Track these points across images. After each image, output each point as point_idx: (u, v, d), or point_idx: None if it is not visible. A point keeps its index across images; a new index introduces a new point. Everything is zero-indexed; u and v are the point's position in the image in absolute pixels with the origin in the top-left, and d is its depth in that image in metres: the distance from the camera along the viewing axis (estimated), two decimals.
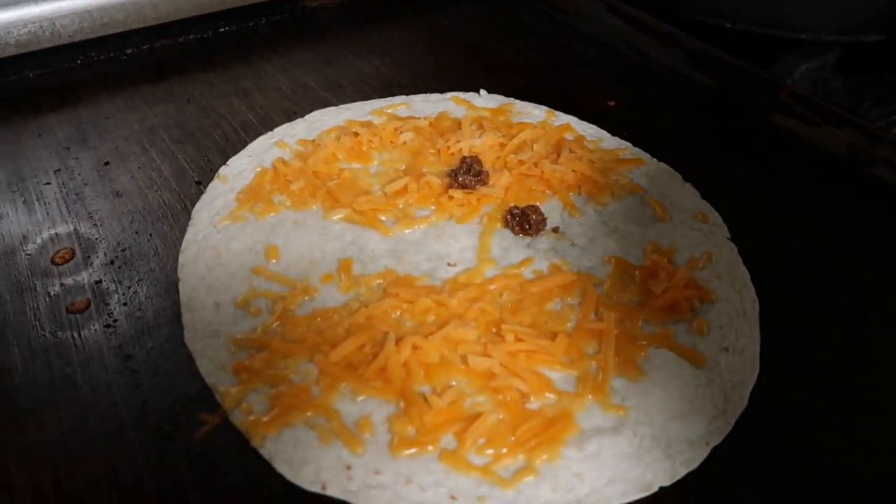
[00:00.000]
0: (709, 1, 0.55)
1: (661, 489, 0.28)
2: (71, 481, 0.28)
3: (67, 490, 0.28)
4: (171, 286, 0.36)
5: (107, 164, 0.45)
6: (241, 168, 0.44)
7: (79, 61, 0.55)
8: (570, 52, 0.59)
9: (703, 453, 0.30)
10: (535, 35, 0.62)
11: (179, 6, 0.56)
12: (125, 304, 0.35)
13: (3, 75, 0.52)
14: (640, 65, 0.56)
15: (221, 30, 0.60)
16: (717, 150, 0.48)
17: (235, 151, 0.46)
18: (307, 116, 0.49)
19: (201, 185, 0.43)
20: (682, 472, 0.29)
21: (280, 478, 0.28)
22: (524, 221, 0.40)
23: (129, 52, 0.56)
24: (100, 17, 0.53)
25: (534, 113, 0.50)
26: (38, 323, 0.34)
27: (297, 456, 0.29)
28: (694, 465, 0.29)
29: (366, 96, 0.52)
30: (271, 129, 0.48)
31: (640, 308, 0.35)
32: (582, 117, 0.49)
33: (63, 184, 0.43)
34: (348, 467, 0.29)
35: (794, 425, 0.31)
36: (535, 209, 0.40)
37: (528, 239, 0.40)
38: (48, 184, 0.43)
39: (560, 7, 0.64)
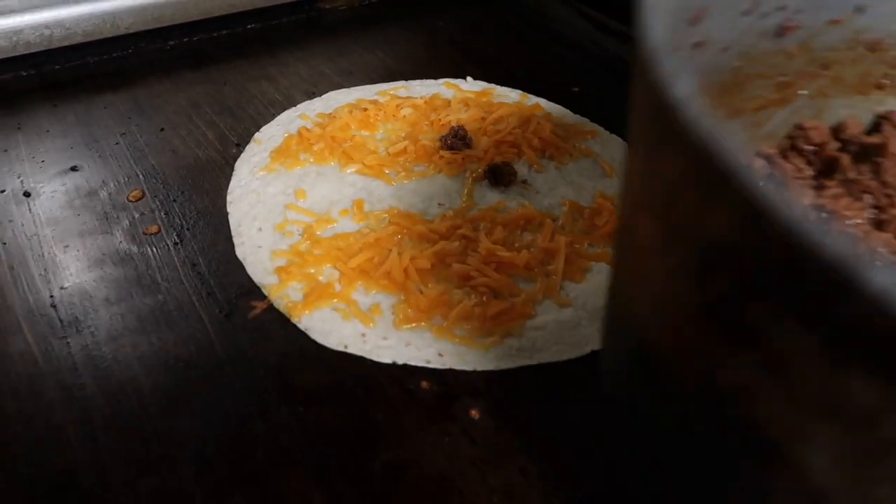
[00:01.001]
0: None
1: (592, 351, 0.39)
2: (160, 342, 0.38)
3: (158, 347, 0.38)
4: (222, 218, 0.47)
5: (162, 129, 0.55)
6: (271, 134, 0.55)
7: (130, 50, 0.65)
8: (543, 48, 0.70)
9: None
10: (515, 34, 0.73)
11: (215, 4, 0.67)
12: (188, 230, 0.46)
13: (70, 60, 0.62)
14: (601, 58, 0.67)
15: (250, 26, 0.70)
16: None
17: (267, 122, 0.56)
18: (324, 95, 0.60)
19: (240, 146, 0.54)
20: None
21: (314, 342, 0.38)
22: (499, 174, 0.50)
23: (171, 43, 0.67)
24: (151, 13, 0.64)
25: (510, 95, 0.60)
26: (122, 241, 0.44)
27: (326, 328, 0.39)
28: None
29: (372, 81, 0.62)
30: (295, 106, 0.58)
31: (586, 235, 0.46)
32: (550, 99, 0.60)
33: (129, 144, 0.53)
34: (363, 335, 0.39)
35: None
36: (509, 165, 0.51)
37: (502, 188, 0.50)
38: (117, 144, 0.53)
39: (538, 11, 0.75)
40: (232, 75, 0.63)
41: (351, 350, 0.38)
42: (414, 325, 0.39)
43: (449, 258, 0.43)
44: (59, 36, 0.60)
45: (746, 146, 0.34)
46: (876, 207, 0.31)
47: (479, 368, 0.38)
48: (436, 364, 0.37)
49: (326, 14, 0.74)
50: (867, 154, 0.33)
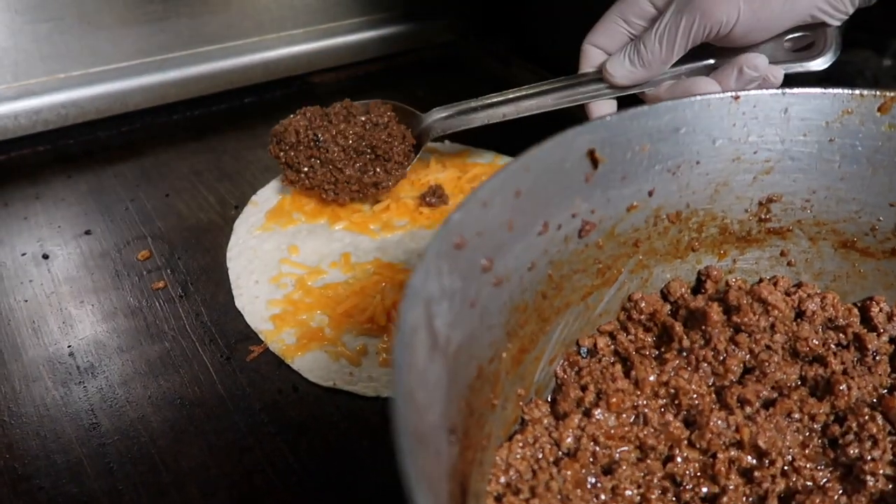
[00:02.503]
0: None
1: None
2: (168, 384, 0.43)
3: (166, 388, 0.42)
4: (223, 273, 0.52)
5: (167, 195, 0.61)
6: (267, 196, 0.60)
7: (139, 124, 0.71)
8: None
9: None
10: None
11: (215, 83, 0.74)
12: (191, 284, 0.50)
13: (83, 135, 0.69)
14: (568, 122, 0.74)
15: (246, 100, 0.77)
16: None
17: (262, 186, 0.62)
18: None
19: (238, 208, 0.59)
20: None
21: (305, 380, 0.43)
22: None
23: (175, 117, 0.73)
24: (157, 92, 0.70)
25: (484, 155, 0.66)
26: (132, 296, 0.49)
27: (316, 367, 0.44)
28: None
29: None
30: None
31: None
32: None
33: (137, 209, 0.59)
34: (350, 374, 0.43)
35: None
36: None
37: None
38: (127, 209, 0.59)
39: (507, 79, 0.82)
40: (231, 144, 0.69)
41: (339, 386, 0.42)
42: None
43: None
44: (75, 114, 0.67)
45: (588, 327, 0.36)
46: (715, 374, 0.35)
47: None
48: None
49: (317, 86, 0.81)
50: (696, 319, 0.36)
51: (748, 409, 0.34)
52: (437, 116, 0.57)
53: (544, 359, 0.35)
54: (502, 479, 0.30)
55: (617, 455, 0.32)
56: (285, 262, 0.52)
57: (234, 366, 0.44)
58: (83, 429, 0.40)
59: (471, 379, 0.28)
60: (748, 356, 0.35)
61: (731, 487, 0.31)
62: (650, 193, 0.35)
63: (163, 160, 0.66)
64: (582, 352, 0.37)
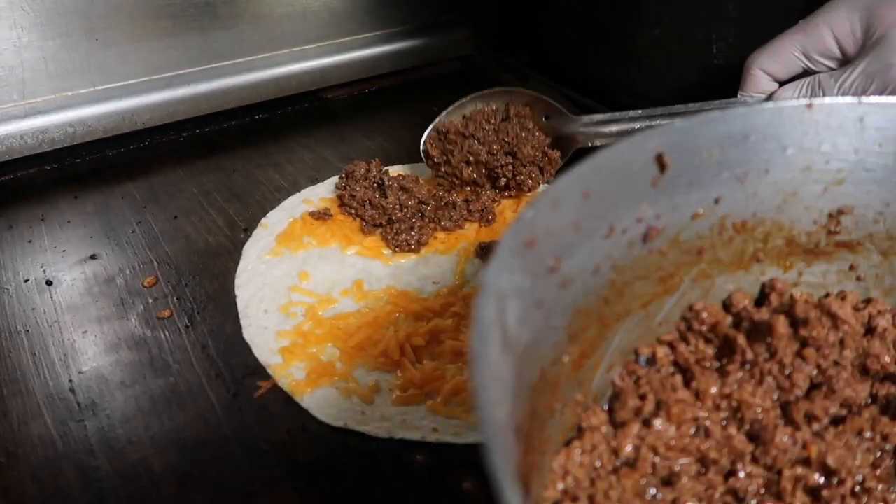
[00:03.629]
0: (637, 90, 0.71)
1: None
2: (171, 423, 0.41)
3: (169, 427, 0.40)
4: (231, 301, 0.50)
5: (175, 217, 0.59)
6: (277, 219, 0.58)
7: (147, 142, 0.70)
8: None
9: None
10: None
11: (225, 100, 0.72)
12: (198, 313, 0.49)
13: (90, 154, 0.67)
14: None
15: (257, 116, 0.76)
16: None
17: (273, 207, 0.60)
18: (326, 181, 0.64)
19: (248, 231, 0.57)
20: None
21: (315, 420, 0.41)
22: (491, 253, 0.53)
23: (185, 134, 0.72)
24: (166, 109, 0.69)
25: None
26: (136, 325, 0.48)
27: (326, 405, 0.42)
28: None
29: None
30: (299, 191, 0.62)
31: None
32: None
33: (144, 232, 0.57)
34: (362, 413, 0.41)
35: None
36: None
37: None
38: (133, 232, 0.57)
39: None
40: (241, 163, 0.67)
41: (350, 426, 0.40)
42: (409, 401, 0.42)
43: (443, 335, 0.46)
44: (82, 132, 0.65)
45: (647, 336, 0.35)
46: (780, 389, 0.33)
47: (472, 441, 0.40)
48: (430, 439, 0.40)
49: (330, 102, 0.80)
50: (760, 332, 0.34)
51: (816, 426, 0.32)
52: (588, 121, 0.60)
53: (603, 366, 0.34)
54: (560, 486, 0.29)
55: (677, 467, 0.31)
56: (295, 290, 0.50)
57: (240, 402, 0.42)
58: (82, 472, 0.38)
59: (534, 381, 0.28)
60: (815, 371, 0.33)
61: None
62: (716, 201, 0.34)
63: (171, 179, 0.64)
64: (641, 361, 0.35)
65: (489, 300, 0.23)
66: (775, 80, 0.52)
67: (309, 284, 0.51)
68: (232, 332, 0.47)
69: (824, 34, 0.49)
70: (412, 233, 0.54)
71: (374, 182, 0.58)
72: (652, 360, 0.35)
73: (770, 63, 0.52)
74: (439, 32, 0.85)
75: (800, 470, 0.30)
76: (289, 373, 0.44)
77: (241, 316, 0.48)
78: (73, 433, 0.40)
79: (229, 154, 0.69)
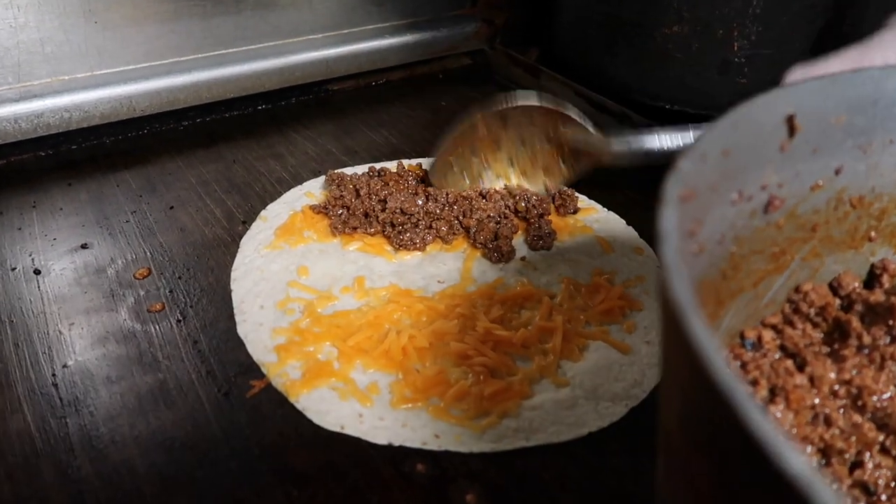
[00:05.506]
0: (653, 88, 0.69)
1: (590, 433, 0.38)
2: (157, 422, 0.38)
3: (155, 427, 0.38)
4: (225, 295, 0.47)
5: (171, 207, 0.57)
6: (277, 212, 0.56)
7: (146, 130, 0.68)
8: None
9: (622, 411, 0.40)
10: None
11: (227, 89, 0.70)
12: (191, 307, 0.46)
13: (86, 140, 0.65)
14: None
15: (260, 107, 0.73)
16: (653, 200, 0.59)
17: (273, 200, 0.58)
18: (329, 174, 0.61)
19: (246, 223, 0.55)
20: (605, 423, 0.39)
21: (310, 423, 0.39)
22: (499, 251, 0.51)
23: (185, 123, 0.70)
24: (166, 97, 0.67)
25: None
26: (126, 319, 0.45)
27: (323, 408, 0.39)
28: (615, 419, 0.39)
29: (375, 160, 0.64)
30: (301, 184, 0.60)
31: (583, 313, 0.46)
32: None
33: (139, 222, 0.55)
34: (360, 415, 0.39)
35: None
36: (507, 242, 0.52)
37: (501, 265, 0.51)
38: (128, 222, 0.55)
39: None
40: (241, 154, 0.65)
41: (347, 431, 0.38)
42: (411, 405, 0.39)
43: (447, 337, 0.43)
44: (78, 118, 0.63)
45: (751, 319, 0.34)
46: None
47: (476, 450, 0.37)
48: (432, 446, 0.37)
49: (334, 94, 0.77)
50: (877, 314, 0.33)
51: None
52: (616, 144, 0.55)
53: None
54: None
55: None
56: (294, 286, 0.48)
57: (232, 402, 0.40)
58: (61, 472, 0.35)
59: None
60: None
61: None
62: (837, 172, 0.33)
63: (169, 169, 0.62)
64: (747, 344, 0.33)
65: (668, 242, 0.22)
66: None
67: (308, 280, 0.48)
68: (226, 328, 0.45)
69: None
70: (416, 230, 0.51)
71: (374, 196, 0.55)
72: (757, 345, 0.33)
73: None
74: (449, 26, 0.82)
75: None
76: (283, 372, 0.41)
77: (235, 311, 0.46)
78: (53, 430, 0.38)
79: (230, 144, 0.67)
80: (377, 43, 0.78)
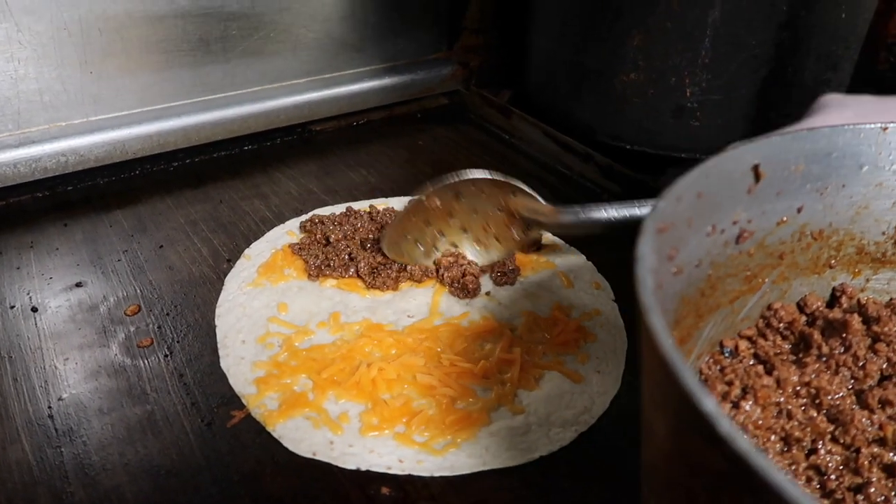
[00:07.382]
0: (614, 130, 0.74)
1: (541, 457, 0.42)
2: (145, 450, 0.42)
3: (143, 455, 0.41)
4: (210, 330, 0.51)
5: (161, 246, 0.61)
6: (260, 250, 0.60)
7: (137, 171, 0.72)
8: (514, 164, 0.76)
9: (572, 436, 0.43)
10: (489, 152, 0.80)
11: (215, 131, 0.74)
12: (178, 342, 0.50)
13: (81, 182, 0.69)
14: (565, 175, 0.74)
15: (246, 147, 0.78)
16: (614, 238, 0.64)
17: (257, 238, 0.62)
18: (310, 213, 0.65)
19: (231, 262, 0.59)
20: (556, 447, 0.43)
21: (286, 450, 0.42)
22: (465, 289, 0.55)
23: (175, 164, 0.74)
24: (157, 140, 0.71)
25: None
26: (117, 353, 0.49)
27: (297, 436, 0.43)
28: (565, 443, 0.43)
29: (354, 199, 0.68)
30: (283, 223, 0.64)
31: (541, 345, 0.50)
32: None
33: (130, 260, 0.59)
34: (331, 443, 0.42)
35: (637, 424, 0.45)
36: (474, 280, 0.56)
37: (468, 300, 0.55)
38: (119, 260, 0.59)
39: (508, 132, 0.82)
40: (228, 194, 0.69)
41: (319, 457, 0.42)
42: (378, 432, 0.43)
43: (414, 369, 0.47)
44: (74, 161, 0.67)
45: (730, 330, 0.40)
46: (854, 378, 0.37)
47: (437, 474, 0.41)
48: (396, 470, 0.41)
49: (317, 135, 0.82)
50: (834, 329, 0.39)
51: (889, 410, 0.35)
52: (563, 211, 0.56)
53: (694, 354, 0.38)
54: None
55: (762, 444, 0.34)
56: (273, 321, 0.51)
57: (214, 431, 0.43)
58: (56, 498, 0.39)
59: None
60: (885, 364, 0.38)
61: (873, 480, 0.33)
62: (799, 210, 0.39)
63: (159, 209, 0.66)
64: (725, 352, 0.39)
65: (644, 269, 0.27)
66: None
67: (287, 315, 0.52)
68: (209, 362, 0.48)
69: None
70: (390, 273, 0.55)
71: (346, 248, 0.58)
72: (734, 353, 0.39)
73: None
74: (427, 69, 0.87)
75: (876, 449, 0.34)
76: (262, 403, 0.45)
77: (219, 346, 0.50)
78: (49, 459, 0.41)
79: (217, 184, 0.71)
80: (358, 86, 0.82)
